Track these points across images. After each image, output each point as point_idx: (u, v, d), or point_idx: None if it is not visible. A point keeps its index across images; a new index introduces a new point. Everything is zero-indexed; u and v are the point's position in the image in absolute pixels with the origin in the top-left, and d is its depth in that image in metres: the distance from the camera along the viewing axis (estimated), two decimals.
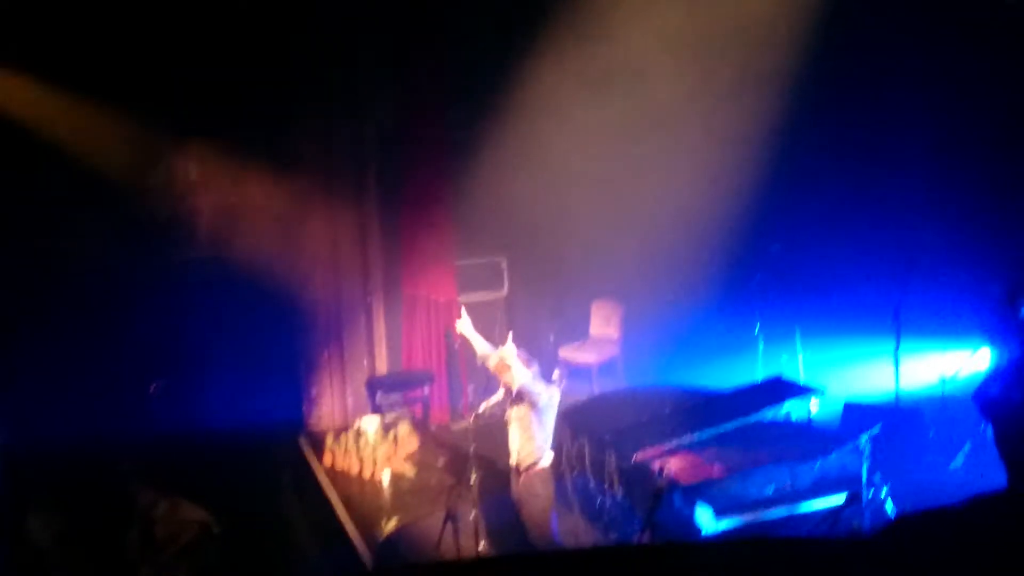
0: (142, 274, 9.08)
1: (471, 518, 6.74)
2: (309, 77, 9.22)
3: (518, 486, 6.65)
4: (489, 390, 10.13)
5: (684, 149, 9.76)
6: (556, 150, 9.68)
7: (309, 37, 9.14)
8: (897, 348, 8.28)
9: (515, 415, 6.70)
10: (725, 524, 6.39)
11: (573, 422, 7.49)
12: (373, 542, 7.51)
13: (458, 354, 9.93)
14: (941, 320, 9.17)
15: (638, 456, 6.66)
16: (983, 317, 8.69)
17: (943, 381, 8.63)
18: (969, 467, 7.85)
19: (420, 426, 9.51)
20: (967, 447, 7.99)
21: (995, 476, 7.28)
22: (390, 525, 7.70)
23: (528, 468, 6.61)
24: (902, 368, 8.37)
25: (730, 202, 9.75)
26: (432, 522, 7.11)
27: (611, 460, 6.94)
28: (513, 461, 6.70)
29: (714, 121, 9.68)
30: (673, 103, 9.49)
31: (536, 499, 6.59)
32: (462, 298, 10.01)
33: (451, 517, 6.69)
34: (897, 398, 8.35)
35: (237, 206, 9.30)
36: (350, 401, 9.91)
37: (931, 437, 8.08)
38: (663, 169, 9.74)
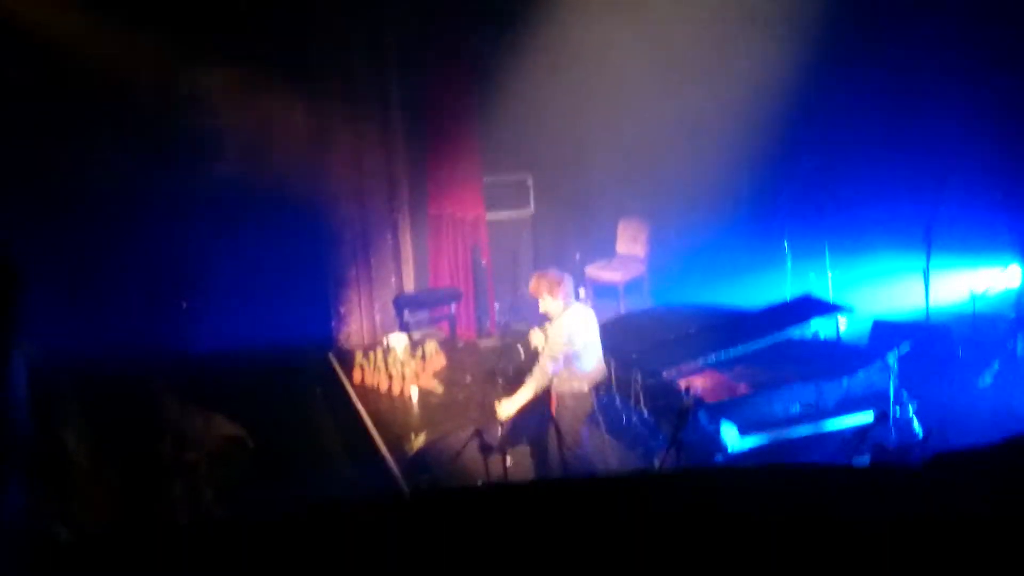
0: (171, 190, 9.08)
1: (498, 433, 6.80)
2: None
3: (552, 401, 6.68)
4: (515, 308, 10.24)
5: (716, 66, 9.54)
6: (583, 67, 9.52)
7: None
8: (928, 265, 8.20)
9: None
10: (750, 442, 6.43)
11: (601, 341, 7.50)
12: (402, 457, 7.61)
13: (485, 271, 9.95)
14: (972, 236, 9.03)
15: (664, 374, 6.68)
16: (1015, 233, 8.58)
17: (973, 298, 8.56)
18: (998, 385, 7.84)
19: (447, 343, 9.58)
20: (996, 365, 7.96)
21: (1022, 394, 7.25)
22: (419, 440, 7.80)
23: (562, 395, 6.65)
24: (932, 285, 8.30)
25: (760, 118, 9.56)
26: (461, 437, 7.18)
27: (637, 378, 6.96)
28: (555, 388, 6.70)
29: (747, 40, 9.44)
30: (707, 22, 9.27)
31: (566, 411, 6.62)
32: (488, 216, 10.01)
33: (479, 434, 6.74)
34: (927, 316, 8.30)
35: (263, 124, 9.25)
36: (378, 319, 9.97)
37: (960, 355, 8.05)
38: (693, 85, 9.55)
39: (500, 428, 6.65)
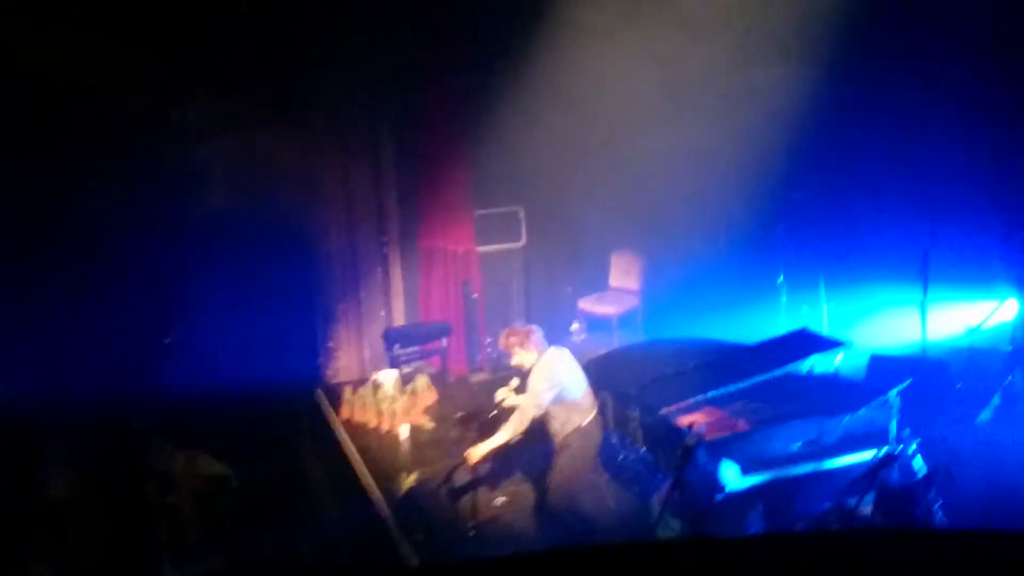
0: (156, 224, 8.95)
1: (469, 477, 6.69)
2: (325, 26, 8.98)
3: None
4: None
5: (710, 99, 9.50)
6: (576, 99, 9.47)
7: None
8: (924, 298, 8.12)
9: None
10: (751, 480, 6.28)
11: (595, 376, 7.35)
12: (392, 496, 7.45)
13: (476, 305, 9.82)
14: (968, 269, 8.98)
15: (663, 411, 6.54)
16: (1012, 266, 8.52)
17: (970, 332, 8.50)
18: (998, 420, 7.75)
19: (438, 379, 9.43)
20: (996, 399, 7.87)
21: (1023, 429, 7.15)
22: (409, 479, 7.63)
23: (568, 439, 6.56)
24: (928, 318, 8.22)
25: (754, 151, 9.51)
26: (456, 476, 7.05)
27: (634, 415, 6.82)
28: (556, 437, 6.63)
29: (741, 73, 9.40)
30: (700, 57, 9.23)
31: (571, 453, 6.52)
32: (480, 249, 9.90)
33: (448, 478, 6.67)
34: (924, 349, 8.21)
35: (252, 156, 9.13)
36: (367, 354, 9.84)
37: (958, 389, 7.95)
38: (687, 119, 9.49)
39: (470, 472, 6.65)
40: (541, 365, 6.53)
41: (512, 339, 6.57)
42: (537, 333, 6.60)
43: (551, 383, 6.46)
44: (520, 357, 6.58)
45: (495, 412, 6.70)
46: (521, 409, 6.49)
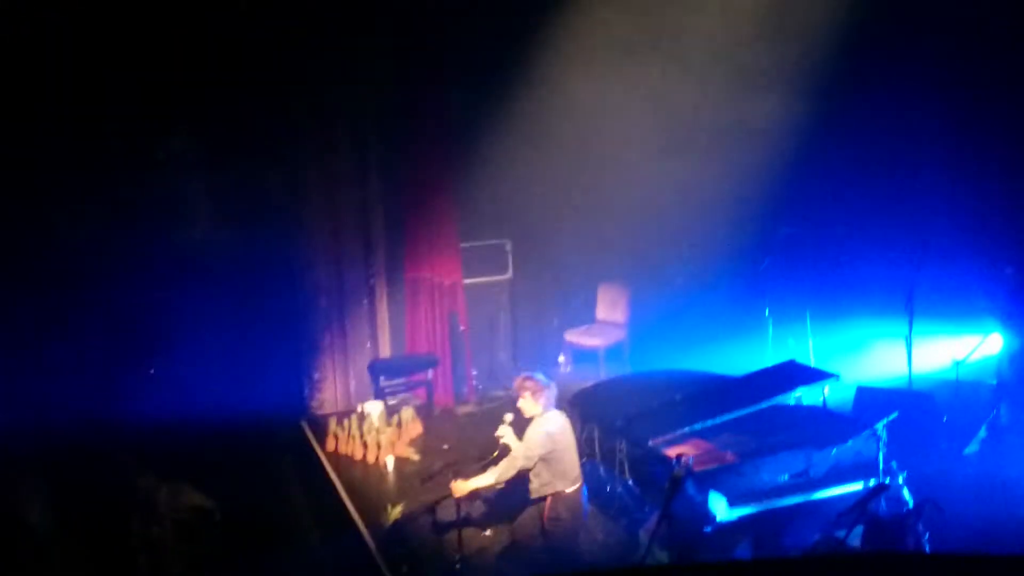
0: (141, 254, 8.91)
1: (454, 509, 6.65)
2: (312, 59, 9.02)
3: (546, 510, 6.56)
4: (493, 375, 10.10)
5: (697, 134, 9.57)
6: (564, 133, 9.54)
7: (310, 20, 8.93)
8: (910, 331, 8.16)
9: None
10: (739, 512, 6.27)
11: (582, 408, 7.36)
12: (378, 529, 7.38)
13: (463, 337, 9.81)
14: (953, 303, 9.04)
15: (650, 443, 6.52)
16: (996, 300, 8.58)
17: (956, 365, 8.53)
18: (984, 453, 7.77)
19: (424, 410, 9.39)
20: (982, 432, 7.90)
21: (1010, 462, 7.20)
22: (395, 512, 7.57)
23: (544, 498, 6.52)
24: (914, 352, 8.26)
25: (740, 185, 9.58)
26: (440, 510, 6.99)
27: (622, 447, 6.81)
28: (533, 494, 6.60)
29: (728, 109, 9.48)
30: (686, 91, 9.32)
31: (560, 523, 6.49)
32: (466, 281, 9.90)
33: (432, 510, 6.63)
34: (910, 382, 8.24)
35: (238, 188, 9.12)
36: (353, 385, 9.80)
37: (945, 422, 7.97)
38: (673, 152, 9.56)
39: (455, 505, 6.56)
40: (544, 422, 6.50)
41: (528, 384, 6.53)
42: (552, 391, 6.57)
43: (547, 442, 6.44)
44: (526, 404, 6.56)
45: (496, 454, 6.66)
46: (512, 458, 6.49)
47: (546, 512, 6.49)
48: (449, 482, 6.72)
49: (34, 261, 8.58)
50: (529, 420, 6.55)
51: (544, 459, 6.42)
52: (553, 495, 6.47)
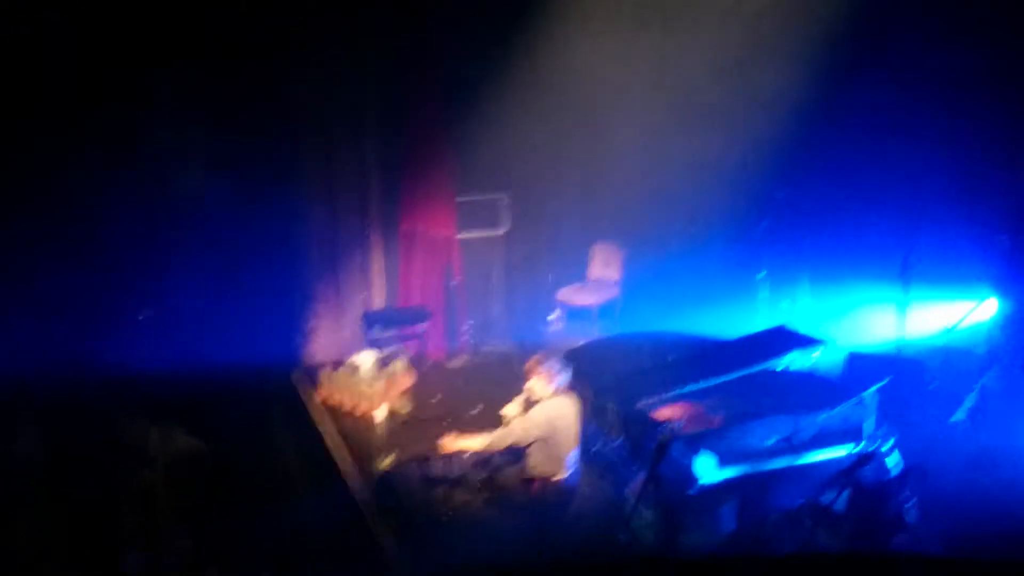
0: (133, 200, 8.86)
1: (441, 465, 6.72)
2: (310, 9, 8.90)
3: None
4: (486, 328, 10.12)
5: (695, 93, 9.48)
6: (562, 88, 9.48)
7: None
8: (904, 296, 8.18)
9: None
10: (725, 474, 6.32)
11: (573, 366, 7.36)
12: (368, 479, 7.44)
13: (456, 290, 9.81)
14: (947, 269, 9.04)
15: (640, 404, 6.55)
16: (990, 267, 8.59)
17: (947, 331, 8.56)
18: (972, 420, 7.81)
19: (416, 363, 9.41)
20: (970, 400, 7.94)
21: (997, 430, 7.28)
22: (385, 462, 7.62)
23: (539, 479, 6.57)
24: (907, 317, 8.28)
25: (739, 147, 9.52)
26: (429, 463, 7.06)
27: (612, 407, 6.83)
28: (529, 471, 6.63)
29: (727, 67, 9.39)
30: (684, 48, 9.23)
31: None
32: (461, 234, 9.88)
33: (420, 464, 6.68)
34: (900, 348, 8.27)
35: (232, 135, 9.04)
36: (346, 335, 9.80)
37: (933, 389, 8.02)
38: (672, 112, 9.49)
39: (442, 460, 6.68)
40: (553, 404, 6.53)
41: (542, 370, 6.55)
42: (564, 376, 6.59)
43: (549, 425, 6.47)
44: (536, 385, 6.57)
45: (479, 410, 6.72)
46: (508, 431, 6.53)
47: (533, 490, 6.54)
48: (438, 434, 6.78)
49: (27, 204, 8.51)
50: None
51: (539, 441, 6.46)
52: (541, 478, 6.51)
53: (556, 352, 7.10)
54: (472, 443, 6.60)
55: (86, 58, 8.39)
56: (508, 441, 6.51)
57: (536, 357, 6.70)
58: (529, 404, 6.71)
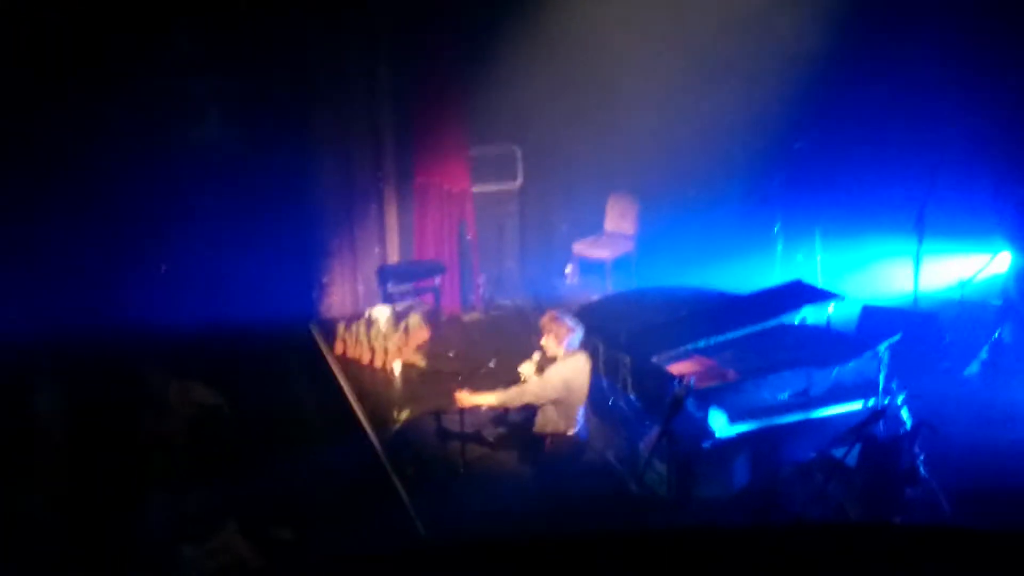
0: (150, 155, 8.86)
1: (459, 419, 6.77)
2: None
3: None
4: (500, 282, 10.15)
5: (711, 48, 9.40)
6: (575, 39, 9.37)
7: None
8: (919, 250, 8.16)
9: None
10: (738, 428, 6.38)
11: (587, 321, 7.39)
12: (385, 432, 7.53)
13: (471, 244, 9.82)
14: (962, 222, 9.00)
15: (655, 359, 6.60)
16: (1006, 219, 8.55)
17: (962, 284, 8.55)
18: (985, 374, 7.83)
19: (431, 317, 9.46)
20: (983, 353, 7.95)
21: (1010, 384, 7.28)
22: (402, 416, 7.71)
23: (551, 435, 6.61)
24: (922, 271, 8.26)
25: (756, 99, 9.44)
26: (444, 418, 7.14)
27: (625, 361, 6.88)
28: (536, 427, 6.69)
29: (743, 25, 9.28)
30: (701, 6, 9.13)
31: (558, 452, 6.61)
32: (475, 188, 9.86)
33: (437, 418, 6.76)
34: (915, 301, 8.27)
35: (247, 89, 9.03)
36: (361, 290, 9.84)
37: (947, 342, 8.03)
38: (687, 65, 9.41)
39: (460, 414, 6.72)
40: (568, 365, 6.57)
41: (555, 327, 6.57)
42: (577, 334, 6.60)
43: (565, 387, 6.52)
44: (550, 344, 6.61)
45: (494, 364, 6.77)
46: (525, 389, 6.58)
47: (546, 447, 6.61)
48: (454, 388, 6.84)
49: (45, 162, 8.54)
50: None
51: (554, 402, 6.51)
52: (553, 434, 6.58)
53: (569, 309, 7.12)
54: (487, 399, 6.67)
55: (98, 13, 8.37)
56: (524, 400, 6.58)
57: (550, 314, 6.73)
58: (543, 361, 6.76)
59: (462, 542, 5.23)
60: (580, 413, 6.67)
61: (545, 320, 6.68)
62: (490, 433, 7.01)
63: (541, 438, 6.63)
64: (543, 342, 6.66)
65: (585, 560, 2.44)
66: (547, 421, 6.60)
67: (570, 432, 6.62)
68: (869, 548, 2.57)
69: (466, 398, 6.66)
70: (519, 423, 6.92)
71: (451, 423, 6.97)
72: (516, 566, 2.52)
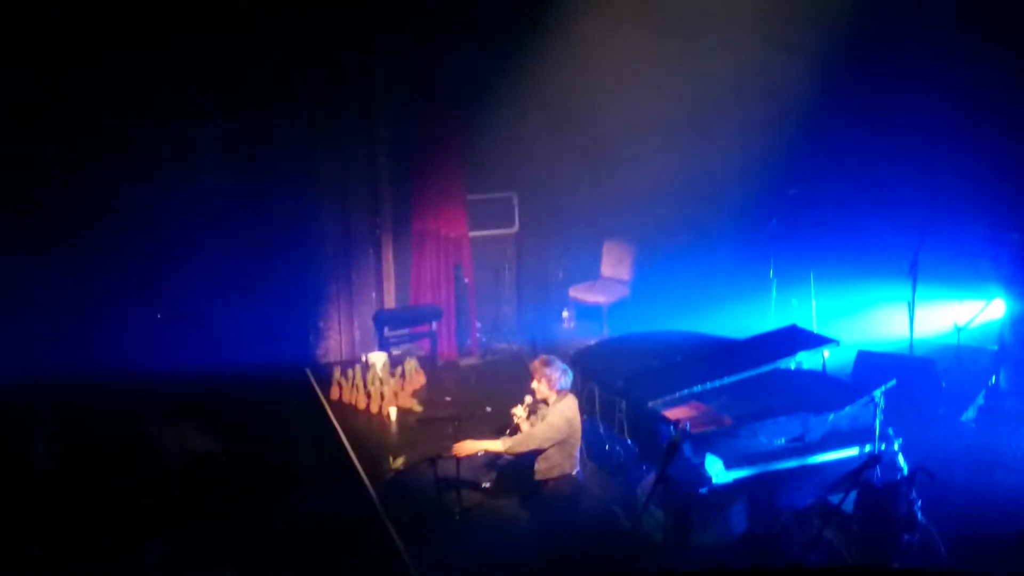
0: (148, 201, 8.93)
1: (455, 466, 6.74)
2: (322, 13, 8.95)
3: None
4: (497, 328, 10.17)
5: (704, 94, 9.50)
6: (572, 87, 9.48)
7: None
8: (913, 296, 8.18)
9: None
10: (735, 474, 6.35)
11: (583, 366, 7.41)
12: (379, 478, 7.49)
13: (467, 289, 9.85)
14: (957, 268, 9.05)
15: (650, 404, 6.58)
16: (999, 266, 8.58)
17: (957, 330, 8.56)
18: (981, 420, 7.83)
19: (427, 362, 9.46)
20: (980, 399, 7.95)
21: (1007, 429, 7.27)
22: (397, 462, 7.68)
23: (548, 480, 6.60)
24: (917, 316, 8.28)
25: (749, 145, 9.54)
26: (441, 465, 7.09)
27: (622, 406, 6.87)
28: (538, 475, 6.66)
29: (736, 69, 9.40)
30: (696, 52, 9.25)
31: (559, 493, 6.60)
32: (473, 233, 9.92)
33: (432, 464, 6.71)
34: (911, 346, 8.28)
35: (246, 136, 9.11)
36: (357, 335, 9.87)
37: (944, 388, 8.02)
38: (682, 112, 9.52)
39: (457, 462, 6.63)
40: (566, 404, 6.58)
41: (546, 371, 6.58)
42: (567, 377, 6.62)
43: (566, 428, 6.51)
44: (541, 387, 6.62)
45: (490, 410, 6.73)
46: (530, 436, 6.54)
47: (548, 490, 6.58)
48: (449, 433, 6.80)
49: (40, 210, 8.60)
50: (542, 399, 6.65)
51: (559, 443, 6.51)
52: (557, 478, 6.56)
53: (565, 353, 7.11)
54: (493, 446, 6.64)
55: (96, 53, 8.46)
56: (531, 445, 6.54)
57: (540, 358, 6.74)
58: (534, 404, 6.75)
59: None
60: (579, 452, 6.65)
61: (536, 364, 6.69)
62: (485, 478, 6.97)
63: (543, 483, 6.59)
64: (534, 385, 6.66)
65: None
66: (551, 465, 6.56)
67: (573, 472, 6.59)
68: None
69: (468, 446, 6.62)
70: (514, 468, 6.88)
71: (446, 469, 6.93)
72: None
